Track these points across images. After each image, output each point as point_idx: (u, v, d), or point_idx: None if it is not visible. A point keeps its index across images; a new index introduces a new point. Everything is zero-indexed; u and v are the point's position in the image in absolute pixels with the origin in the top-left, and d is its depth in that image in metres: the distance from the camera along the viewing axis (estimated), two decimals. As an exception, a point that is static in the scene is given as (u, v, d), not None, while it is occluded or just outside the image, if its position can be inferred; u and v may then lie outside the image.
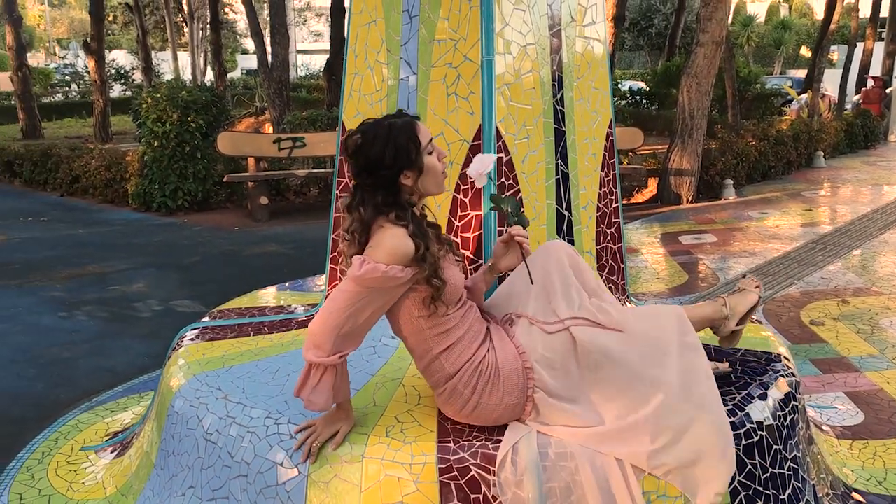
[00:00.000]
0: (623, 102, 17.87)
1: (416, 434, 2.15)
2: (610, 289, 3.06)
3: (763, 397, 2.41)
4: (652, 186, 9.47)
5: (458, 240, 2.66)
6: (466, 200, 2.64)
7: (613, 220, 3.12)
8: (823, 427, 3.35)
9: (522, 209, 2.29)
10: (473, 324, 2.15)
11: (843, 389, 3.69)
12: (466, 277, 2.54)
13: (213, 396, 2.42)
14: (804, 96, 15.14)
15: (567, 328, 2.15)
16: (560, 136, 2.82)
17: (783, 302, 5.03)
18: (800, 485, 2.41)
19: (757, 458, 2.28)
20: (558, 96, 2.82)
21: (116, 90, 22.78)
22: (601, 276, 3.06)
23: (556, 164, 2.81)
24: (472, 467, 2.05)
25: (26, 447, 3.08)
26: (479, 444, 2.09)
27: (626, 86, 20.51)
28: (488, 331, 2.22)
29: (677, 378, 2.11)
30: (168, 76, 23.40)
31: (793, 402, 2.53)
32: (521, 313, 2.22)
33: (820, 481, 2.64)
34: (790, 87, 17.91)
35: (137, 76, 21.19)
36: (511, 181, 2.63)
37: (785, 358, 2.76)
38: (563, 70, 2.84)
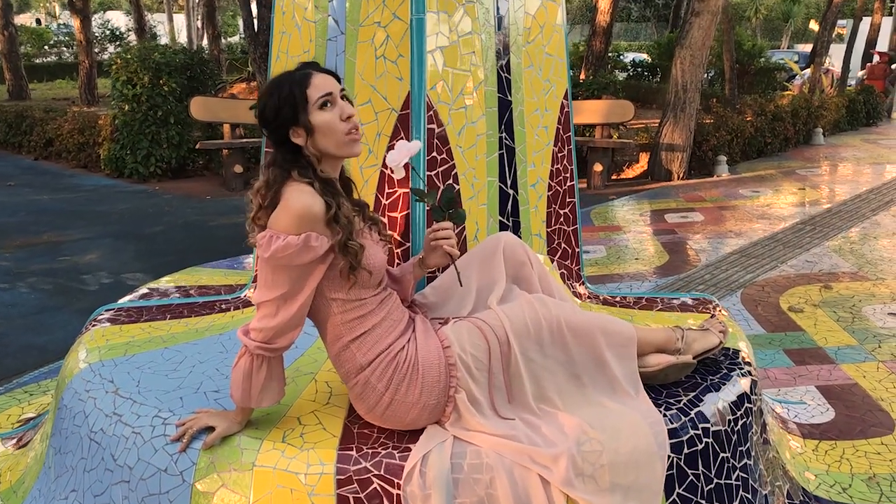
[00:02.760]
0: (624, 75, 17.45)
1: (317, 439, 1.92)
2: (562, 274, 2.82)
3: (712, 399, 2.18)
4: (643, 162, 9.18)
5: (385, 219, 2.40)
6: (395, 177, 2.37)
7: (568, 199, 2.86)
8: (789, 424, 3.12)
9: (459, 204, 2.02)
10: (393, 311, 1.93)
11: (815, 383, 3.46)
12: (394, 264, 2.31)
13: (104, 390, 2.19)
14: (807, 71, 14.73)
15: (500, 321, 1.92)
16: (505, 107, 2.55)
17: (763, 286, 4.79)
18: (749, 496, 2.20)
19: (700, 468, 2.05)
20: (503, 62, 2.54)
21: (112, 52, 22.34)
22: (553, 261, 2.82)
23: (500, 138, 2.54)
24: (374, 479, 1.82)
25: (-72, 433, 2.87)
26: (384, 452, 1.87)
27: (628, 57, 20.06)
28: (412, 321, 2.00)
29: (611, 402, 1.98)
30: (164, 39, 22.96)
31: (747, 405, 2.30)
32: (458, 317, 2.01)
33: (775, 490, 2.42)
34: (794, 61, 17.47)
35: (134, 39, 20.77)
36: (444, 156, 2.37)
37: (744, 353, 2.52)
38: (509, 33, 2.56)
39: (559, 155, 2.79)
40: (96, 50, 19.37)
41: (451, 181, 2.39)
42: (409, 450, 1.87)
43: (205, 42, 19.48)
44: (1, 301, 4.44)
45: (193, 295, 2.99)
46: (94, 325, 2.67)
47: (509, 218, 2.59)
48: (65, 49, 27.82)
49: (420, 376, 1.86)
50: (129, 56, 7.97)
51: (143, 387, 2.18)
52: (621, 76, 17.29)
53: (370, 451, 1.87)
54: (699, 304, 2.97)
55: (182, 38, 23.44)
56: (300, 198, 1.73)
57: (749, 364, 2.45)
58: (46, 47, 29.15)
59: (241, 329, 1.83)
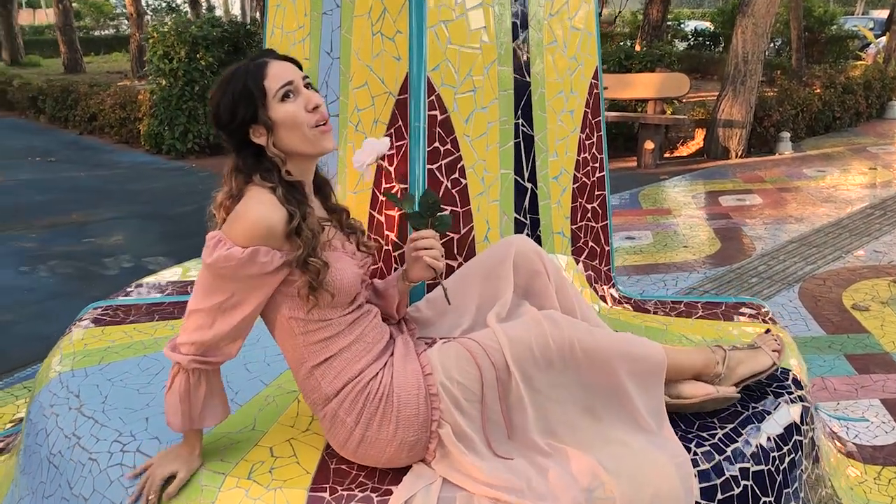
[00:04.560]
0: (683, 45, 16.66)
1: (288, 476, 1.67)
2: (589, 277, 2.51)
3: (754, 433, 1.87)
4: (699, 138, 8.66)
5: (383, 218, 2.13)
6: (391, 170, 2.10)
7: (597, 192, 2.54)
8: (848, 445, 2.75)
9: (441, 208, 1.73)
10: (367, 333, 1.66)
11: (881, 396, 3.07)
12: (380, 275, 2.04)
13: (67, 406, 1.99)
14: (882, 39, 13.75)
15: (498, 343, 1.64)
16: (523, 89, 2.24)
17: (825, 280, 4.36)
18: (796, 548, 1.88)
19: (737, 514, 1.75)
20: (521, 38, 2.22)
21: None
22: (578, 262, 2.50)
23: (517, 125, 2.23)
24: (346, 528, 1.58)
25: (-82, 431, 2.74)
26: (362, 495, 1.62)
27: (689, 26, 19.20)
28: (391, 343, 1.72)
29: (631, 439, 1.68)
30: (219, 11, 23.02)
31: (796, 438, 1.97)
32: (448, 338, 1.74)
33: (828, 535, 2.10)
34: (869, 29, 16.39)
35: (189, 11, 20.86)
36: (448, 146, 2.08)
37: (795, 372, 2.17)
38: (528, 4, 2.23)
39: (587, 143, 2.46)
40: (154, 22, 19.50)
41: (457, 175, 2.10)
42: (391, 493, 1.62)
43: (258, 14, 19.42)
44: (18, 286, 4.35)
45: (189, 291, 2.78)
46: (77, 326, 2.49)
47: (526, 215, 2.29)
48: (124, 21, 28.16)
49: (395, 409, 1.59)
50: (165, 30, 7.83)
51: (109, 404, 1.98)
52: (681, 46, 16.53)
53: (346, 492, 1.62)
54: (747, 310, 2.62)
55: (236, 10, 23.43)
56: (256, 208, 1.49)
57: (801, 387, 2.11)
58: (107, 20, 29.61)
59: (168, 345, 1.59)
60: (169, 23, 7.76)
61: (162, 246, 5.06)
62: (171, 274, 3.09)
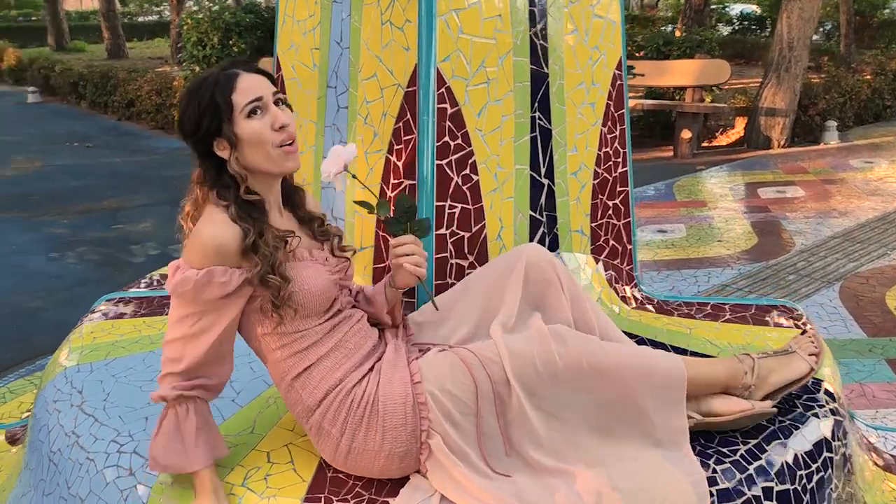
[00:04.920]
0: (728, 30, 16.21)
1: (283, 484, 1.62)
2: (610, 277, 2.41)
3: (779, 450, 1.76)
4: (740, 127, 8.39)
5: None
6: (400, 164, 2.02)
7: (619, 189, 2.43)
8: (885, 457, 2.61)
9: (419, 215, 1.66)
10: (347, 339, 1.60)
11: (924, 405, 2.91)
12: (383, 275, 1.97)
13: (69, 402, 1.97)
14: (939, 23, 13.19)
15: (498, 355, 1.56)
16: (540, 81, 2.13)
17: (868, 279, 4.16)
18: (821, 573, 1.77)
19: (758, 538, 1.65)
20: (539, 26, 2.11)
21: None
22: (598, 260, 2.40)
23: (533, 118, 2.13)
24: (339, 541, 1.52)
25: (-61, 419, 2.77)
26: (357, 507, 1.56)
27: (735, 9, 18.66)
28: (378, 349, 1.66)
29: (645, 455, 1.58)
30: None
31: (826, 454, 1.85)
32: (445, 346, 1.66)
33: (858, 557, 1.98)
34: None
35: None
36: (459, 141, 1.99)
37: (828, 384, 2.04)
38: (547, -10, 2.12)
39: (609, 137, 2.35)
40: (195, 8, 19.67)
41: (468, 171, 2.01)
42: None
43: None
44: (48, 272, 4.40)
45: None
46: (88, 319, 2.48)
47: (542, 212, 2.19)
48: (167, 7, 28.49)
49: (380, 418, 1.53)
50: (199, 16, 7.84)
51: (111, 401, 1.95)
52: (725, 31, 16.08)
53: (340, 503, 1.56)
54: (779, 314, 2.48)
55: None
56: (208, 229, 1.47)
57: (834, 398, 1.98)
58: (152, 6, 29.96)
59: (154, 394, 1.55)
60: (207, 4, 7.71)
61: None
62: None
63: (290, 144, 1.50)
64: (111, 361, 2.16)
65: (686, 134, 7.54)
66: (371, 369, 1.59)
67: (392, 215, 1.55)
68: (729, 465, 1.69)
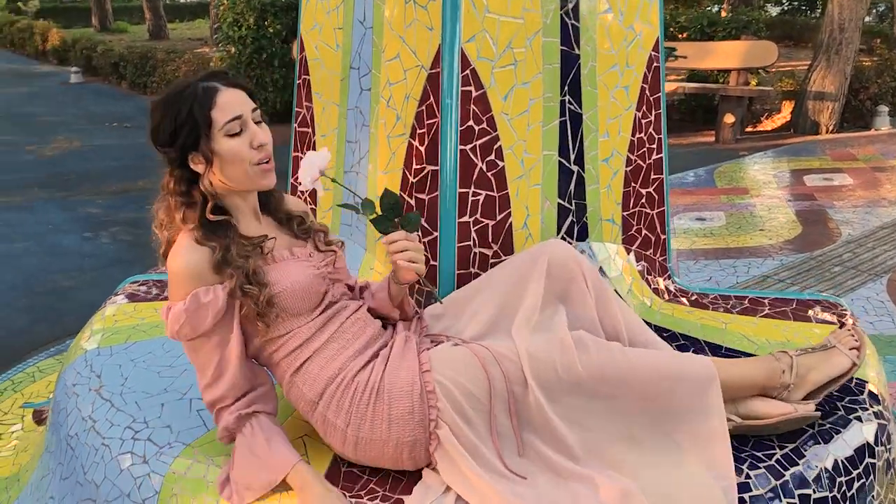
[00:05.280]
0: (777, 10, 15.71)
1: (295, 477, 1.58)
2: (643, 269, 2.32)
3: (818, 455, 1.66)
4: (786, 111, 8.12)
5: (413, 201, 1.99)
6: (422, 149, 1.95)
7: (653, 176, 2.32)
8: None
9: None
10: (344, 330, 1.57)
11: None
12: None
13: (88, 386, 1.95)
14: None
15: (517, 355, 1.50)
16: (570, 63, 2.03)
17: (918, 272, 3.98)
18: (860, 587, 1.68)
19: (792, 549, 1.56)
20: (570, 5, 2.01)
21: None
22: (629, 250, 2.30)
23: (563, 102, 2.04)
24: (351, 537, 1.47)
25: (-31, 396, 2.81)
26: (371, 503, 1.51)
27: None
28: (381, 338, 1.62)
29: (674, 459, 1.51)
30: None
31: (868, 460, 1.75)
32: (457, 338, 1.61)
33: (899, 571, 1.87)
34: None
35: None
36: (484, 125, 1.91)
37: (872, 385, 1.93)
38: (580, -34, 2.02)
39: (643, 122, 2.24)
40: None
41: (493, 157, 1.94)
42: (402, 502, 1.50)
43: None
44: (80, 251, 4.44)
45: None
46: (112, 301, 2.47)
47: (571, 200, 2.10)
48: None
49: (386, 405, 1.48)
50: (235, -3, 7.84)
51: (128, 386, 1.93)
52: (774, 11, 15.58)
53: (354, 499, 1.52)
54: (822, 310, 2.36)
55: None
56: (177, 261, 1.47)
57: (878, 401, 1.87)
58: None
59: (219, 435, 1.56)
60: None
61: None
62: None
63: (266, 162, 1.49)
64: (131, 345, 2.14)
65: (729, 118, 7.31)
66: (376, 356, 1.55)
67: (378, 213, 1.52)
68: (764, 470, 1.60)
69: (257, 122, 1.49)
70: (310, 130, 2.38)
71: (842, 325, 1.77)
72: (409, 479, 1.55)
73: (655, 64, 2.24)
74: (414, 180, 1.98)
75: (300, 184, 1.49)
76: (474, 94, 1.87)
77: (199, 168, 1.47)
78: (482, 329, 1.61)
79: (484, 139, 1.91)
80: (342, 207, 1.47)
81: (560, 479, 1.48)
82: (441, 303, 1.65)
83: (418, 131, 1.95)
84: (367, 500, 1.52)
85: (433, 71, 1.88)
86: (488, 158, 1.93)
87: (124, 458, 1.70)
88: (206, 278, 1.46)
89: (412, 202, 1.99)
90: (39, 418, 2.53)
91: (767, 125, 8.20)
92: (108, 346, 2.14)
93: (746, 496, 1.55)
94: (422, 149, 1.94)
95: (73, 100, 10.25)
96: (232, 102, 1.46)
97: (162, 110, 1.46)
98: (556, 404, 1.47)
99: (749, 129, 8.01)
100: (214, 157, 1.45)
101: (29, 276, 4.06)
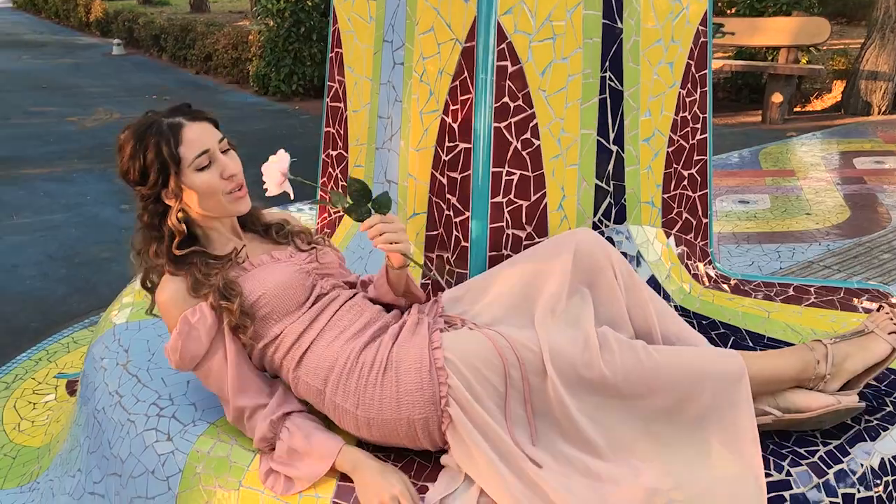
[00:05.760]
0: (829, -17, 15.12)
1: (318, 460, 1.55)
2: (682, 253, 2.23)
3: (864, 452, 1.59)
4: (837, 91, 7.82)
5: (445, 179, 1.93)
6: (455, 126, 1.88)
7: (696, 157, 2.23)
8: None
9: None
10: (339, 318, 1.57)
11: None
12: (437, 243, 1.86)
13: (115, 361, 1.96)
14: None
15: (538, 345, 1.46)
16: (613, 37, 1.94)
17: (972, 263, 3.80)
18: None
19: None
20: (613, -24, 1.92)
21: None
22: (669, 234, 2.22)
23: (603, 78, 1.95)
24: (373, 522, 1.44)
25: (5, 365, 2.84)
26: (394, 488, 1.47)
27: (837, -36, 17.36)
28: (382, 318, 1.61)
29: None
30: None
31: (918, 461, 1.66)
32: (469, 321, 1.58)
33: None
34: None
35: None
36: (520, 102, 1.84)
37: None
38: (624, -65, 1.92)
39: (687, 100, 2.14)
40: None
41: (528, 135, 1.86)
42: (426, 489, 1.47)
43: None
44: (117, 224, 4.48)
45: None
46: (143, 274, 2.46)
47: (609, 181, 2.02)
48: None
49: (394, 381, 1.45)
50: (274, -31, 7.78)
51: (154, 362, 1.92)
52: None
53: (376, 484, 1.48)
54: (870, 298, 2.26)
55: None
56: (161, 294, 1.56)
57: (927, 397, 1.78)
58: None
59: (257, 446, 1.56)
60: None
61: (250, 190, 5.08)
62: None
63: (239, 190, 1.54)
64: (159, 320, 2.12)
65: (777, 98, 7.07)
66: (381, 333, 1.54)
67: (349, 202, 1.50)
68: (806, 467, 1.53)
69: (224, 152, 1.52)
70: (342, 105, 2.33)
71: (880, 307, 1.67)
72: (431, 469, 1.52)
73: (703, 39, 2.14)
74: (446, 158, 1.92)
75: (267, 189, 1.49)
76: (510, 69, 1.80)
77: (171, 202, 1.52)
78: (500, 315, 1.57)
79: (519, 117, 1.84)
80: (317, 204, 1.46)
81: (583, 478, 1.43)
82: (442, 283, 1.65)
83: (451, 107, 1.88)
84: (391, 485, 1.48)
85: (468, 45, 1.81)
86: (524, 137, 1.85)
87: (149, 434, 1.70)
88: (188, 302, 1.52)
89: (444, 180, 1.93)
90: (72, 389, 2.56)
91: (817, 105, 7.91)
92: (136, 321, 2.14)
93: (787, 494, 1.49)
94: (455, 126, 1.87)
95: (115, 71, 10.35)
96: (198, 137, 1.50)
97: (131, 148, 1.49)
98: (577, 400, 1.43)
99: (797, 109, 7.74)
100: (186, 191, 1.50)
101: (67, 247, 4.11)
